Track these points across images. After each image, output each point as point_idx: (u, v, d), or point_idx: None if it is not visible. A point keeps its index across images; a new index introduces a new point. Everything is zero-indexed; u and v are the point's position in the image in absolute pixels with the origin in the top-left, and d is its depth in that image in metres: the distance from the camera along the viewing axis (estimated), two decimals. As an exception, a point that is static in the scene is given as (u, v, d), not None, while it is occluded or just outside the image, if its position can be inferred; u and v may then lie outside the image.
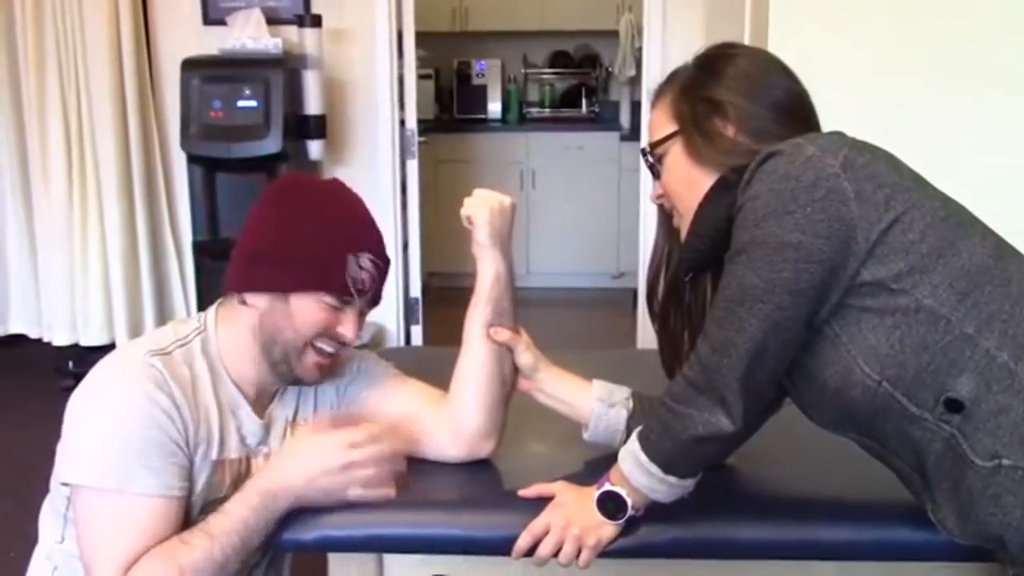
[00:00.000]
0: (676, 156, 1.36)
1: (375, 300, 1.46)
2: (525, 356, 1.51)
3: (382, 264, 1.44)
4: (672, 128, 1.36)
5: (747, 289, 1.19)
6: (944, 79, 2.72)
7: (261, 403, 1.48)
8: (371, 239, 1.44)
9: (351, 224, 1.44)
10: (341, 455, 1.36)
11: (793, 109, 1.33)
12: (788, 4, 2.76)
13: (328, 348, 1.43)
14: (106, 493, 1.29)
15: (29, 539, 1.48)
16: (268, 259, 1.39)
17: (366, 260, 1.41)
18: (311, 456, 1.37)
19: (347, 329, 1.42)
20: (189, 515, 1.36)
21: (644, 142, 1.43)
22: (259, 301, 1.40)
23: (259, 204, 1.45)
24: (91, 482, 1.30)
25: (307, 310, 1.40)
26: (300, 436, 1.45)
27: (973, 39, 2.72)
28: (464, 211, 1.48)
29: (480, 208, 1.46)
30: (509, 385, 1.52)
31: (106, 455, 1.29)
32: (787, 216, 1.16)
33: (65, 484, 1.35)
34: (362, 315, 1.45)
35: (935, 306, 1.16)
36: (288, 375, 1.45)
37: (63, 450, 1.35)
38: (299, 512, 1.37)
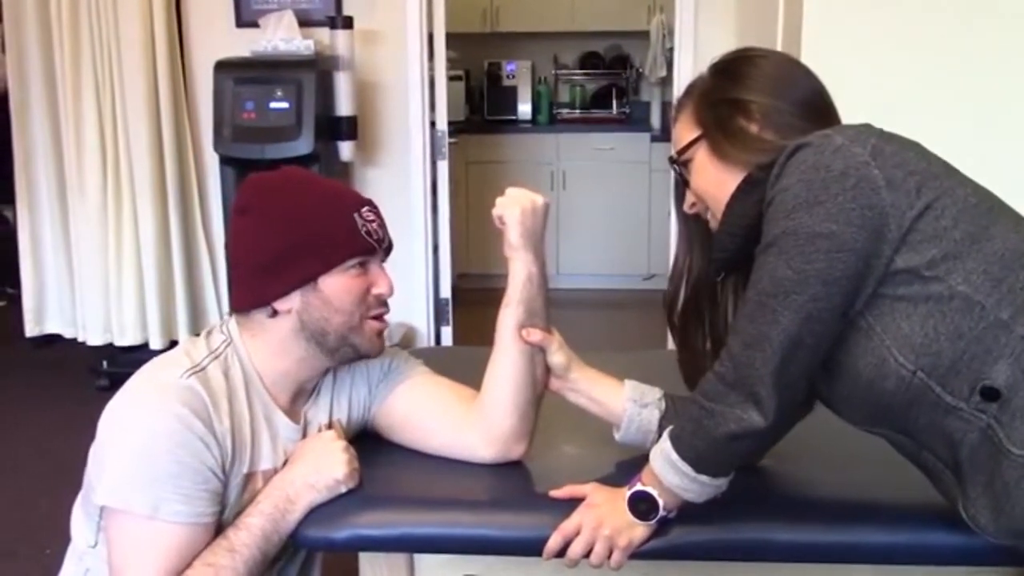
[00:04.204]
0: (703, 159, 1.35)
1: (390, 246, 1.48)
2: (557, 356, 1.50)
3: (377, 210, 1.47)
4: (696, 133, 1.36)
5: (780, 281, 1.18)
6: (978, 85, 2.70)
7: (296, 407, 1.49)
8: (356, 195, 1.48)
9: (336, 191, 1.49)
10: (349, 459, 1.41)
11: (816, 105, 1.33)
12: (822, 2, 2.74)
13: (377, 311, 1.46)
14: (137, 518, 1.29)
15: (66, 537, 1.49)
16: (284, 259, 1.39)
17: (366, 212, 1.44)
18: (321, 461, 1.40)
19: (383, 285, 1.45)
20: (221, 529, 1.36)
21: (672, 152, 1.43)
22: (291, 303, 1.40)
23: (241, 217, 1.44)
24: (123, 506, 1.30)
25: (340, 286, 1.40)
26: (308, 441, 1.46)
27: (1008, 46, 2.69)
28: (496, 211, 1.48)
29: (512, 208, 1.46)
30: (541, 386, 1.52)
31: (138, 480, 1.29)
32: (818, 206, 1.15)
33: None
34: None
35: (969, 292, 1.15)
36: (353, 355, 1.46)
37: (98, 467, 1.34)
38: (330, 512, 1.38)
